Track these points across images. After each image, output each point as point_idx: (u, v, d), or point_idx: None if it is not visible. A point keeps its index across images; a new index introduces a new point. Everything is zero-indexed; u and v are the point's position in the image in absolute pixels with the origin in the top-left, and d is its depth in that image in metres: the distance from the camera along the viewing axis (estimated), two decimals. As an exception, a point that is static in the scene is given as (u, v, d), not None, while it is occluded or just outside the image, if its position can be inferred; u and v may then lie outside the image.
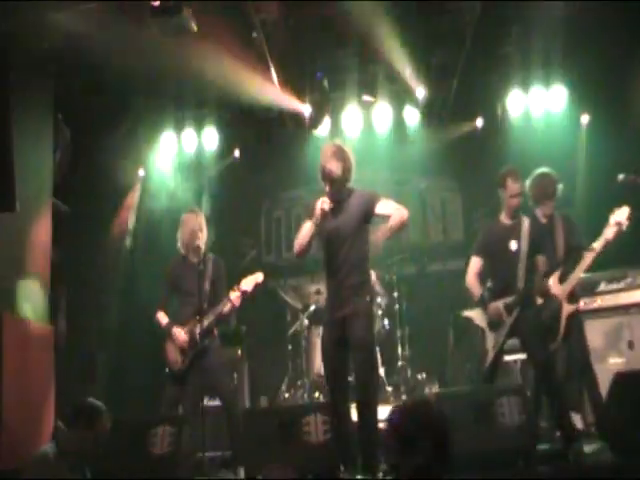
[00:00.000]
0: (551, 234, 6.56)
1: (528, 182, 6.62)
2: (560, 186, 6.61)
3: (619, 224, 6.15)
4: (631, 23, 7.80)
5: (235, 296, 6.53)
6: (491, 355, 6.05)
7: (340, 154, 5.59)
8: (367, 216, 5.59)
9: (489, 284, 6.23)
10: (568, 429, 5.76)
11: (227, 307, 6.55)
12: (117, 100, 8.42)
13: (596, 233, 6.32)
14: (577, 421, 6.20)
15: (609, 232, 6.19)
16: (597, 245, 6.22)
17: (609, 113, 8.71)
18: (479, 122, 9.38)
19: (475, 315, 6.23)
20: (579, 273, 6.36)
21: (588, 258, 6.28)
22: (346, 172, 5.58)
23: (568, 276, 6.40)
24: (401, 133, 9.50)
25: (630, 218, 6.16)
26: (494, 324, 6.08)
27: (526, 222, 6.18)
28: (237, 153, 9.72)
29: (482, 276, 6.30)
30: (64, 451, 5.14)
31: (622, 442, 5.13)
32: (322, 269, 5.84)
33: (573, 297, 6.44)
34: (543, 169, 6.69)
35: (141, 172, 9.67)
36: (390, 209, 5.56)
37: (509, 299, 6.02)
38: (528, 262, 6.06)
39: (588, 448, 5.71)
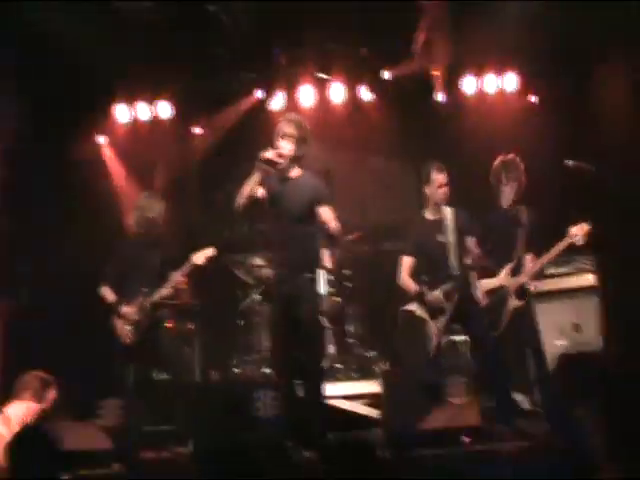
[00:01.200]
0: (513, 222, 6.50)
1: (492, 169, 6.64)
2: (521, 165, 6.56)
3: (575, 238, 6.25)
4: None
5: (177, 279, 6.56)
6: (434, 342, 6.13)
7: (301, 122, 5.76)
8: (313, 207, 5.70)
9: (424, 278, 6.30)
10: (510, 409, 5.91)
11: (171, 291, 6.59)
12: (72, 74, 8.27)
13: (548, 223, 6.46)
14: (524, 402, 6.35)
15: (564, 244, 6.28)
16: (551, 253, 6.33)
17: (560, 96, 8.85)
18: (439, 97, 9.36)
19: (416, 307, 6.29)
20: (530, 272, 6.40)
21: (542, 261, 6.39)
22: (302, 140, 5.68)
23: (520, 270, 6.45)
24: (357, 112, 9.49)
25: (587, 234, 6.25)
26: (435, 312, 6.18)
27: (449, 213, 6.29)
28: (198, 130, 9.62)
29: (416, 273, 6.36)
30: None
31: (564, 422, 5.28)
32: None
33: (522, 292, 6.42)
34: (509, 156, 6.65)
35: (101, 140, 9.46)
36: (326, 218, 5.69)
37: (447, 285, 6.13)
38: (459, 250, 6.19)
39: (532, 427, 5.86)
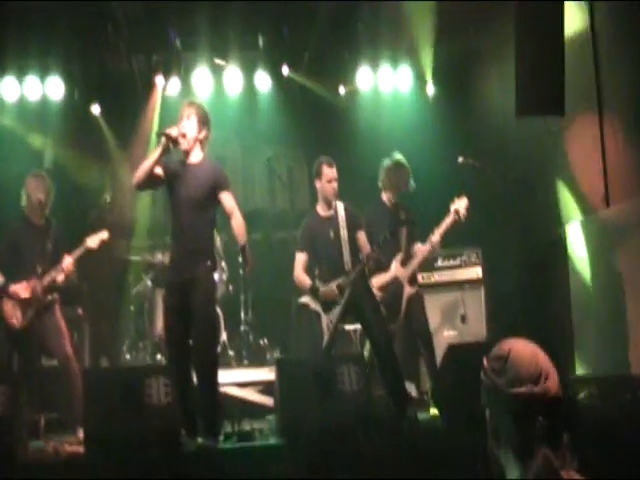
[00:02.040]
0: (395, 220, 6.77)
1: (382, 168, 6.88)
2: (412, 182, 6.87)
3: (457, 213, 6.54)
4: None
5: (69, 262, 6.45)
6: (327, 336, 6.23)
7: (202, 105, 5.87)
8: (214, 193, 5.71)
9: (317, 272, 6.42)
10: (402, 397, 6.08)
11: (63, 274, 6.47)
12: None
13: (436, 217, 6.69)
14: (412, 389, 6.55)
15: (448, 221, 6.59)
16: (437, 233, 6.63)
17: (455, 93, 9.12)
18: (341, 90, 9.48)
19: (310, 301, 6.38)
20: (420, 258, 6.70)
21: (431, 242, 6.66)
22: (203, 122, 5.75)
23: (410, 260, 6.71)
24: (251, 99, 9.48)
25: (468, 208, 6.55)
26: (328, 306, 6.26)
27: (341, 208, 6.41)
28: (96, 109, 9.26)
29: (310, 268, 6.48)
30: None
31: (453, 409, 5.48)
32: (167, 230, 5.91)
33: (414, 279, 6.79)
34: (398, 158, 6.92)
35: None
36: (230, 205, 5.74)
37: (340, 280, 6.23)
38: (351, 245, 6.31)
39: (421, 415, 6.07)
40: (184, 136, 5.64)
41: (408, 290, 6.68)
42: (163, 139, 5.56)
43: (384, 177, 6.88)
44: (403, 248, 6.75)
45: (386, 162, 6.89)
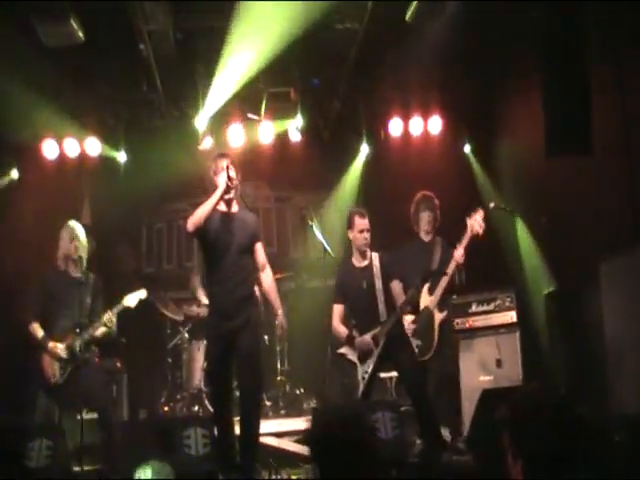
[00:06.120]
0: (430, 251, 7.02)
1: (414, 198, 7.20)
2: (436, 201, 7.13)
3: (474, 226, 6.59)
4: (504, 53, 8.23)
5: (108, 317, 6.43)
6: (361, 386, 6.27)
7: (235, 161, 5.92)
8: (253, 241, 5.85)
9: (354, 322, 6.48)
10: (437, 442, 6.05)
11: (103, 328, 6.47)
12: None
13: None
14: (446, 434, 6.51)
15: (467, 236, 6.70)
16: (457, 251, 6.71)
17: (484, 138, 9.19)
18: (364, 149, 9.66)
19: (347, 351, 6.44)
20: (445, 281, 6.76)
21: (452, 265, 6.72)
22: (238, 176, 5.84)
23: (436, 287, 6.78)
24: (284, 150, 9.62)
25: (485, 220, 6.64)
26: (364, 356, 6.31)
27: (376, 258, 6.46)
28: (124, 157, 9.32)
29: (348, 317, 6.58)
30: None
31: (488, 456, 5.43)
32: (206, 280, 5.97)
33: (443, 304, 6.86)
34: (423, 192, 7.20)
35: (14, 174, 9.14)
36: (263, 258, 5.97)
37: (376, 330, 6.27)
38: (386, 296, 6.36)
39: (456, 460, 6.03)
40: (233, 184, 5.75)
41: (438, 316, 6.80)
42: (223, 178, 5.66)
43: (412, 208, 7.19)
44: (429, 277, 6.82)
45: (417, 195, 7.23)
